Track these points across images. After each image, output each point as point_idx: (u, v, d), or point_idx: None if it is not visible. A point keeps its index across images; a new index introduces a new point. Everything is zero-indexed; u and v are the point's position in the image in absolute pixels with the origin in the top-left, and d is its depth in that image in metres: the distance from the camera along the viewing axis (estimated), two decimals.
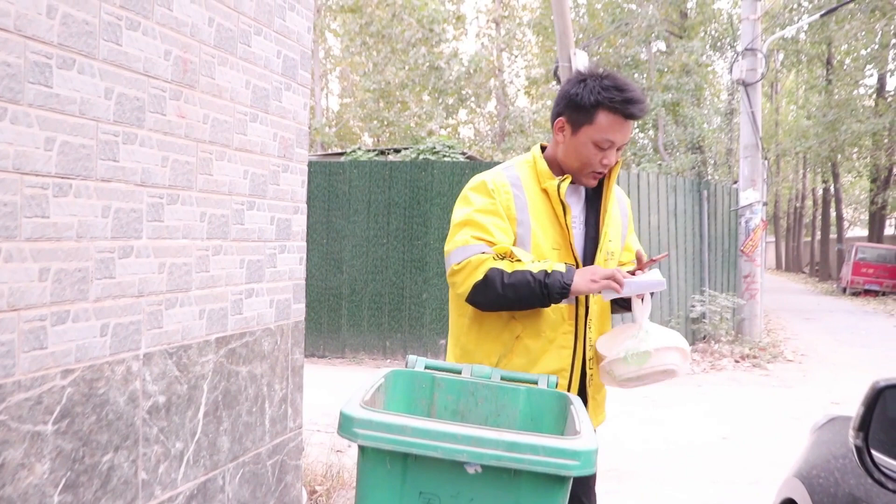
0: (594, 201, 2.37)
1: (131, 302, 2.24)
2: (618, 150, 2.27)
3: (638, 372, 2.18)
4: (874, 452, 1.38)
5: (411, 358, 2.18)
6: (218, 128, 2.62)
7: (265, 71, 2.90)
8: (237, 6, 2.70)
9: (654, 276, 2.24)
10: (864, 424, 1.33)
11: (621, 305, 2.41)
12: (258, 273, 2.92)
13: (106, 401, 2.13)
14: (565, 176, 2.25)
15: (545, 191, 2.26)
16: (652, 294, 2.33)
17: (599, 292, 2.16)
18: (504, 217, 2.20)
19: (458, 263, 2.14)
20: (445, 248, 2.23)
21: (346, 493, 4.33)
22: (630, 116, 2.21)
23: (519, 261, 2.12)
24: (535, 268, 2.11)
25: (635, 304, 2.26)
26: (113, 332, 2.16)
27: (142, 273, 2.28)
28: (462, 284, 2.13)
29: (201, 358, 2.57)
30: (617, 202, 2.44)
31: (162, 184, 2.35)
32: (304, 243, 3.28)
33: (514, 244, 2.21)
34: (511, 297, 2.10)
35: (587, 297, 2.29)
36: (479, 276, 2.10)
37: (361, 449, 1.61)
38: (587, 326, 2.31)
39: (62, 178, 1.98)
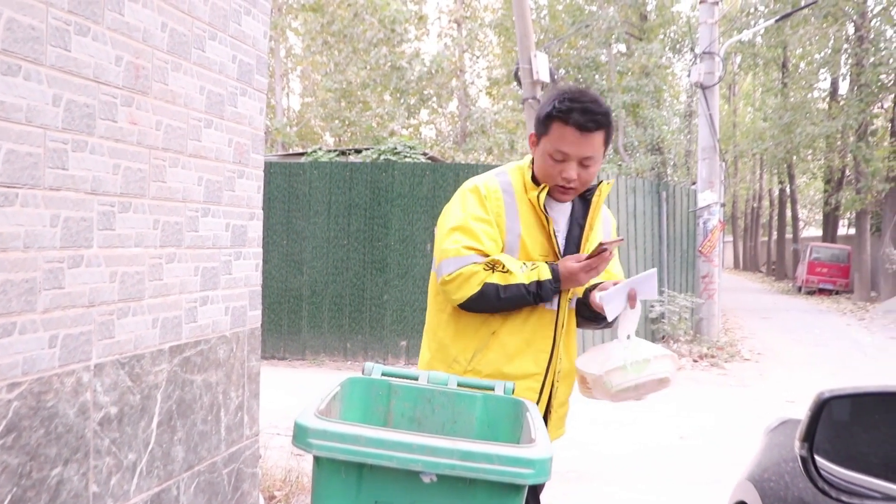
0: (580, 218, 2.40)
1: (81, 312, 2.20)
2: (584, 166, 2.27)
3: (637, 380, 2.20)
4: (820, 460, 1.40)
5: (368, 365, 2.17)
6: (171, 134, 2.58)
7: (220, 76, 2.87)
8: (191, 11, 2.67)
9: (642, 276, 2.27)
10: (810, 435, 1.35)
11: (588, 318, 2.42)
12: (213, 280, 2.89)
13: (55, 413, 2.09)
14: (543, 186, 2.30)
15: (531, 200, 2.31)
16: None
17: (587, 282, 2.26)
18: (494, 224, 2.27)
19: (450, 274, 2.21)
20: (436, 255, 2.29)
21: (306, 499, 4.31)
22: (577, 126, 2.21)
23: (509, 271, 2.19)
24: (526, 278, 2.19)
25: (623, 315, 2.26)
26: (62, 343, 2.12)
27: (92, 282, 2.24)
28: (456, 293, 2.21)
29: (155, 367, 2.54)
30: (602, 222, 2.48)
31: (113, 192, 2.31)
32: (261, 249, 3.26)
33: (502, 251, 2.27)
34: (507, 307, 2.23)
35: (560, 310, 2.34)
36: (475, 288, 2.18)
37: (316, 459, 1.60)
38: (562, 337, 2.35)
39: (8, 187, 1.93)
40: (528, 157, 2.43)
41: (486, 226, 2.25)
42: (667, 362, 2.24)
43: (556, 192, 2.31)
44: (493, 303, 2.19)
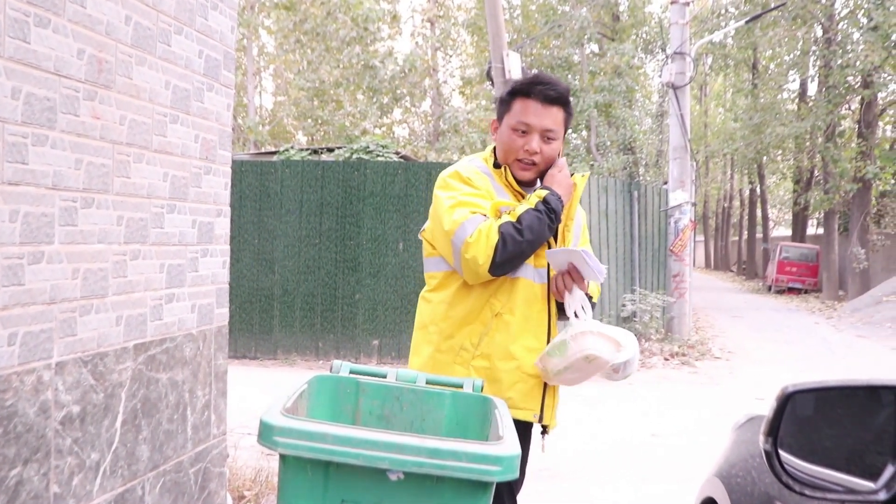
0: None
1: (42, 309, 2.15)
2: (547, 140, 2.36)
3: (564, 363, 2.20)
4: (784, 455, 1.41)
5: (336, 363, 2.16)
6: (136, 129, 2.54)
7: (186, 71, 2.83)
8: (156, 4, 2.63)
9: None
10: (774, 429, 1.36)
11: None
12: (179, 278, 2.85)
13: (14, 412, 2.05)
14: (505, 166, 2.40)
15: (509, 182, 2.39)
16: (590, 300, 2.38)
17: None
18: (488, 198, 2.32)
19: (472, 235, 2.20)
20: (446, 228, 2.25)
21: (276, 498, 4.27)
22: (540, 97, 2.34)
23: (514, 208, 2.28)
24: (530, 203, 2.27)
25: (566, 297, 2.30)
26: (22, 340, 2.08)
27: (54, 279, 2.20)
28: (483, 254, 2.19)
29: (118, 365, 2.50)
30: (576, 214, 2.52)
31: (75, 187, 2.27)
32: (228, 247, 3.22)
33: None
34: (530, 237, 2.22)
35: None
36: (495, 237, 2.19)
37: (282, 457, 1.58)
38: (557, 310, 2.40)
39: None
40: (490, 147, 2.51)
41: (481, 199, 2.31)
42: (591, 339, 2.19)
43: (518, 168, 2.39)
44: (518, 239, 2.20)
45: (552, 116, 2.35)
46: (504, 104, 2.41)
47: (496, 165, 2.42)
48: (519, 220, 2.22)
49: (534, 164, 2.36)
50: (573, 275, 2.28)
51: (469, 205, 2.27)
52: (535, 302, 2.34)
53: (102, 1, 2.34)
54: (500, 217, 2.26)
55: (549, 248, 2.35)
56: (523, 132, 2.34)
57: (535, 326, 2.34)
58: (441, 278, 2.39)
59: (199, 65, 2.92)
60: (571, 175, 2.44)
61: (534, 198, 2.29)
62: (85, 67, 2.29)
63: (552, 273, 2.36)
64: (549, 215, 2.26)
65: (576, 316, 2.29)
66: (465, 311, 2.32)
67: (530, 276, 2.33)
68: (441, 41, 26.05)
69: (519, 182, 2.39)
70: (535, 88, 2.34)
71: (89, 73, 2.31)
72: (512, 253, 2.21)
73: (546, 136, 2.35)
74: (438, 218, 2.31)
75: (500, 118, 2.44)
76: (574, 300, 2.29)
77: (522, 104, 2.35)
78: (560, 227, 2.40)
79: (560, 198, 2.31)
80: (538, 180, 2.42)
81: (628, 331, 2.41)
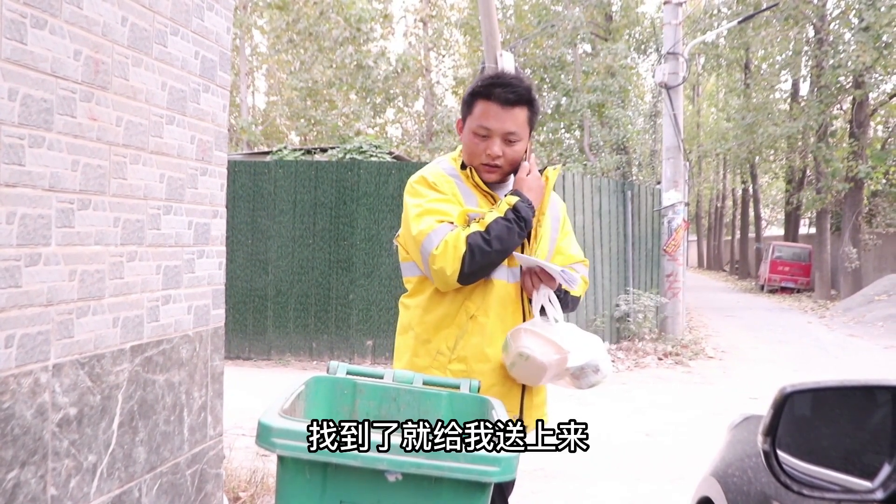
0: None
1: (39, 311, 2.15)
2: (509, 142, 2.33)
3: (509, 360, 2.22)
4: (782, 455, 1.41)
5: (332, 364, 2.16)
6: (132, 130, 2.54)
7: (182, 72, 2.83)
8: (152, 5, 2.63)
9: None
10: (772, 429, 1.37)
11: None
12: (175, 279, 2.85)
13: (11, 415, 2.05)
14: (469, 167, 2.38)
15: (476, 182, 2.36)
16: (562, 296, 2.38)
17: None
18: (455, 203, 2.30)
19: (437, 247, 2.19)
20: (415, 238, 2.25)
21: (271, 499, 4.27)
22: (500, 100, 2.29)
23: (482, 217, 2.25)
24: (500, 211, 2.24)
25: (532, 294, 2.32)
26: (19, 343, 2.07)
27: (51, 281, 2.19)
28: (450, 265, 2.18)
29: (115, 367, 2.49)
30: (551, 207, 2.50)
31: (72, 188, 2.27)
32: (224, 248, 3.22)
33: None
34: (499, 247, 2.20)
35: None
36: (463, 248, 2.17)
37: (280, 459, 1.58)
38: (531, 310, 2.37)
39: None
40: (459, 147, 2.48)
41: (448, 204, 2.29)
42: (527, 338, 2.18)
43: (482, 172, 2.36)
44: (486, 249, 2.18)
45: (513, 118, 2.31)
46: (466, 105, 2.38)
47: (464, 166, 2.40)
48: (487, 229, 2.20)
49: (497, 166, 2.35)
50: (541, 274, 2.29)
51: (435, 212, 2.25)
52: (510, 302, 2.34)
53: (99, 2, 2.34)
54: (468, 225, 2.25)
55: (522, 250, 2.33)
56: (484, 136, 2.31)
57: (509, 327, 2.32)
58: (416, 283, 2.39)
59: (195, 66, 2.92)
60: (543, 170, 2.43)
61: (503, 205, 2.27)
62: (81, 69, 2.28)
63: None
64: (519, 223, 2.24)
65: (542, 312, 2.30)
66: (440, 315, 2.31)
67: (504, 276, 2.32)
68: (434, 41, 26.05)
69: (486, 183, 2.37)
70: (495, 91, 2.29)
71: (86, 75, 2.30)
72: (480, 263, 2.20)
73: (507, 139, 2.32)
74: (407, 225, 2.30)
75: (463, 119, 2.40)
76: (540, 297, 2.30)
77: (483, 107, 2.31)
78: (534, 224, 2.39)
79: (530, 203, 2.29)
80: (511, 174, 2.42)
81: (596, 336, 2.39)
